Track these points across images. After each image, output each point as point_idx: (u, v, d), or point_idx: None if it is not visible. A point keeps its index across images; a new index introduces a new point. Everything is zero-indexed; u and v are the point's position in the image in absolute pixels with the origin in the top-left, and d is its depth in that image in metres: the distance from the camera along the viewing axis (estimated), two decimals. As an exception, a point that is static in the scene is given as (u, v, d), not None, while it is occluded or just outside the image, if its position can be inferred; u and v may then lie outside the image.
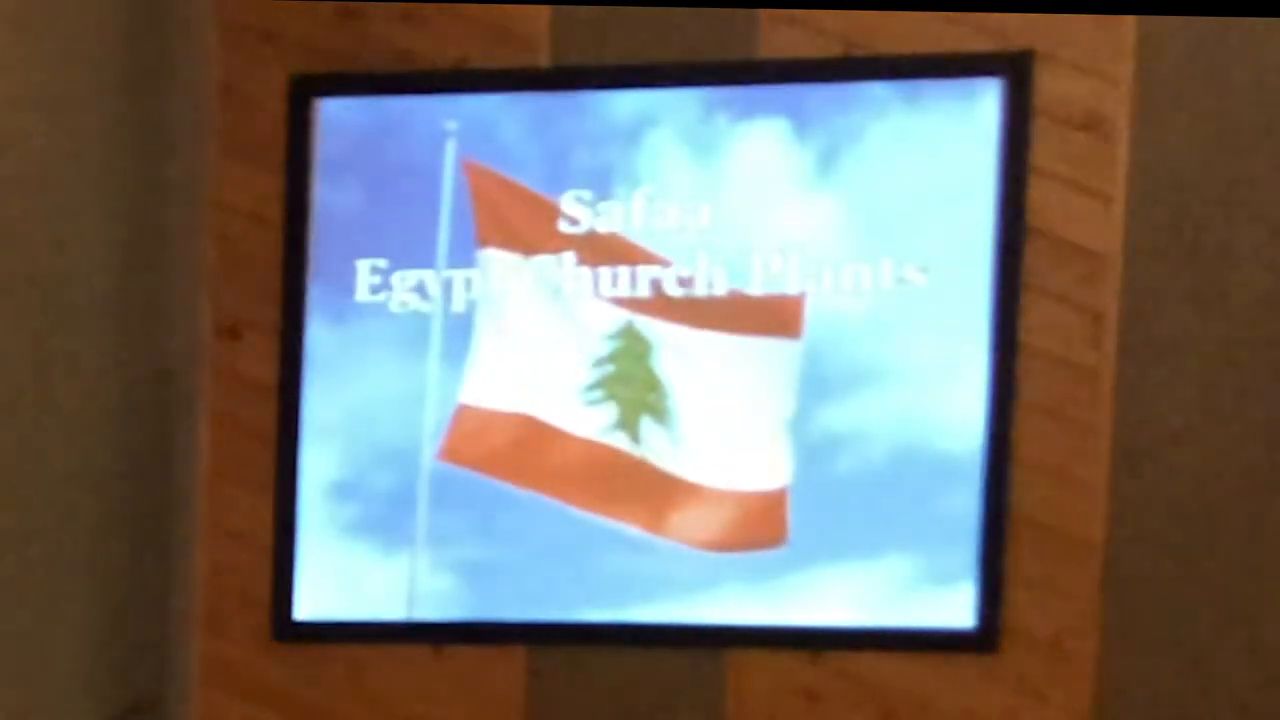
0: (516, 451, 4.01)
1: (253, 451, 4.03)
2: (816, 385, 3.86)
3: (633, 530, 3.94)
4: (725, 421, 3.94)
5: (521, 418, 4.01)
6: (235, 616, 4.07)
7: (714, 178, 3.90)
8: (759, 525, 3.90)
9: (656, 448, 3.95)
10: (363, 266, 4.01)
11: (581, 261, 3.95)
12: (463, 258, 4.01)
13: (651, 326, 3.94)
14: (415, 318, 4.01)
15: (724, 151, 3.89)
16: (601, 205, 3.94)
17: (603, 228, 3.95)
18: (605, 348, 3.96)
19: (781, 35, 3.81)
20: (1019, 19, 3.69)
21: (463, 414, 4.03)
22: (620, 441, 3.97)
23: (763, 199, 3.88)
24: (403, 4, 3.94)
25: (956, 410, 3.78)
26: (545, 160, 3.97)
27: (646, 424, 3.96)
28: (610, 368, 3.96)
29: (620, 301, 3.95)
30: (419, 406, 4.03)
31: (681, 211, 3.91)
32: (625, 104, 3.91)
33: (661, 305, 3.93)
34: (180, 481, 4.01)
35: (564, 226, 3.96)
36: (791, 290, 3.85)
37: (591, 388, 3.97)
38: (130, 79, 3.79)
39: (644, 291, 3.93)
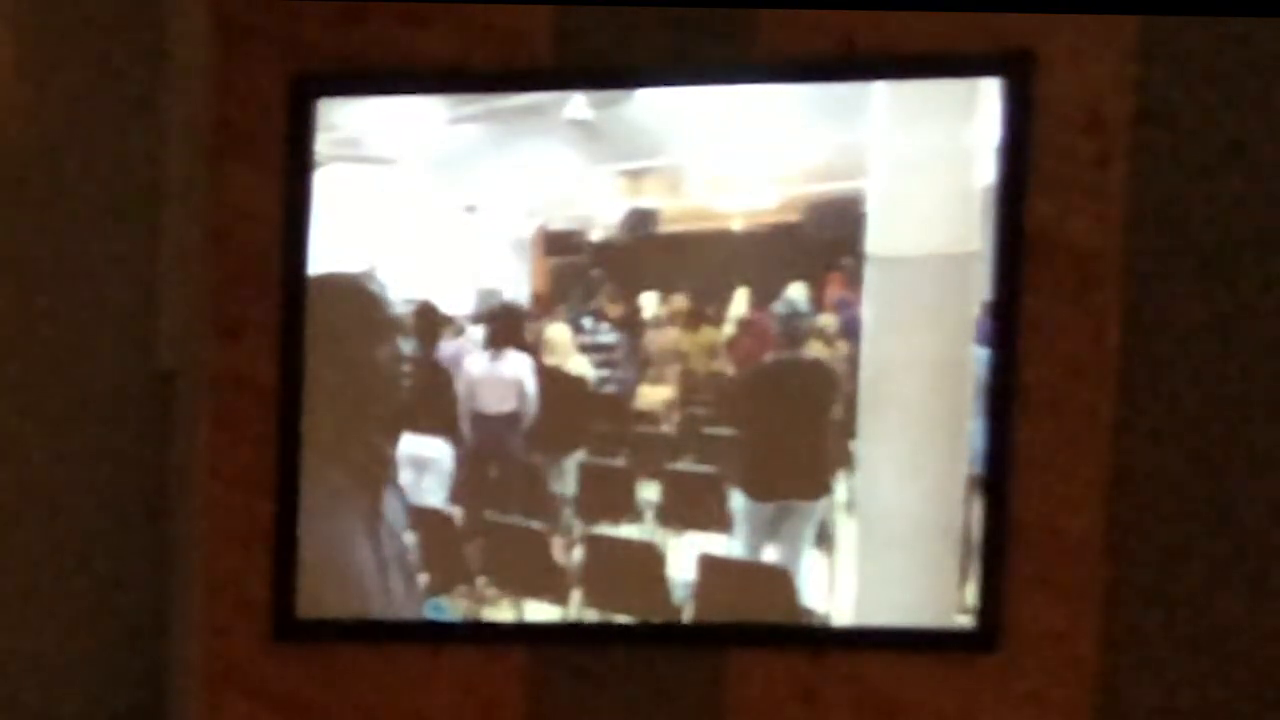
0: None
1: (252, 452, 4.03)
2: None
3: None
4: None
5: None
6: (236, 616, 4.07)
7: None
8: None
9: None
10: None
11: None
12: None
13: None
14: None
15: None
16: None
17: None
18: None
19: (781, 35, 3.81)
20: (1019, 19, 3.69)
21: None
22: None
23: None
24: (403, 4, 3.94)
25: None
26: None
27: None
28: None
29: None
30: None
31: None
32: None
33: None
34: (180, 482, 4.01)
35: None
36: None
37: None
38: (128, 78, 3.79)
39: None
